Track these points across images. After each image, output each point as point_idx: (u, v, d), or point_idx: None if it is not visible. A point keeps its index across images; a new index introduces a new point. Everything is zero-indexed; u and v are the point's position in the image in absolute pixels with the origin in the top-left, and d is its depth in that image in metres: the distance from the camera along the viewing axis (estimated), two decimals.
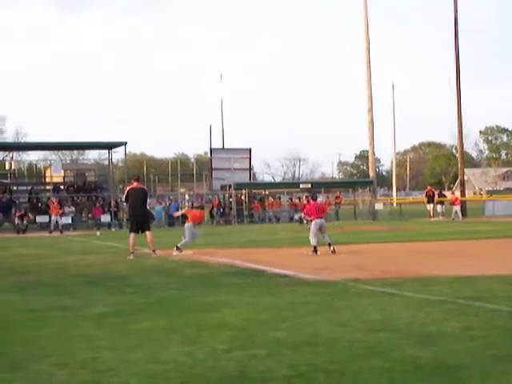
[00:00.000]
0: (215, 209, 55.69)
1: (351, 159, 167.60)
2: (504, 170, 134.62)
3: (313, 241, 21.21)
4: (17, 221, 47.02)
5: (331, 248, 21.15)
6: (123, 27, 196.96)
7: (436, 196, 52.36)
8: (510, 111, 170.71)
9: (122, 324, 9.94)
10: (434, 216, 50.26)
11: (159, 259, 21.26)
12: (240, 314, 10.46)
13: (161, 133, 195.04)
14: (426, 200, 52.33)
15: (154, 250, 22.34)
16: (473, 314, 9.94)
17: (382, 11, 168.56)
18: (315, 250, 20.94)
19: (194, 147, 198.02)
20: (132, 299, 12.52)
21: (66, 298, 12.94)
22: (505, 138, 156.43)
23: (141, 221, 22.47)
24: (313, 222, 21.74)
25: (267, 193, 60.84)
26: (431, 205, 51.39)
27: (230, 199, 55.85)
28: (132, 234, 22.25)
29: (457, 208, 49.55)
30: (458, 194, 56.79)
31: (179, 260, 20.84)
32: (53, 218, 46.52)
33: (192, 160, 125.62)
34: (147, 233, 22.42)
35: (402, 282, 13.78)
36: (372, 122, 55.58)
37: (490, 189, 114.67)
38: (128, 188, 23.53)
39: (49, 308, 11.67)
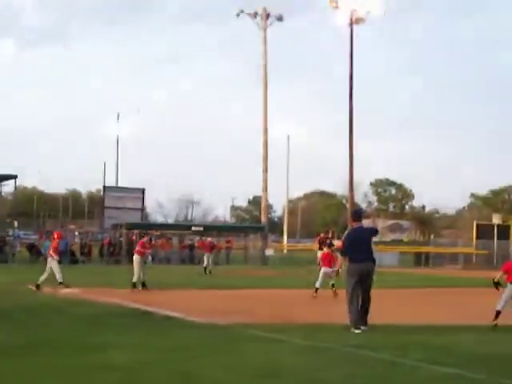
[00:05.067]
0: (105, 248, 55.00)
1: (244, 204, 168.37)
2: (391, 222, 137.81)
3: None
4: None
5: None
6: None
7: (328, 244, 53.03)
8: (399, 165, 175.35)
9: None
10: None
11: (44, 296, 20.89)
12: (126, 354, 10.38)
13: (54, 168, 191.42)
14: (317, 247, 52.86)
15: None
16: (357, 361, 10.17)
17: (282, 61, 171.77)
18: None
19: (87, 184, 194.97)
20: (11, 336, 12.24)
21: None
22: (393, 191, 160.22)
23: None
24: None
25: (159, 233, 60.46)
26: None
27: (121, 238, 55.27)
28: None
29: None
30: None
31: (66, 298, 20.52)
32: None
33: (84, 197, 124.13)
34: None
35: (290, 328, 13.95)
36: (266, 169, 56.28)
37: (377, 240, 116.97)
38: None
39: None
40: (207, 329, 13.76)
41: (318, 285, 22.65)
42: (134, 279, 24.26)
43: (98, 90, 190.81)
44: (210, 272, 35.93)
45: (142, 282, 24.43)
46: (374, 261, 14.14)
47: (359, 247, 13.90)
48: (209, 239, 41.38)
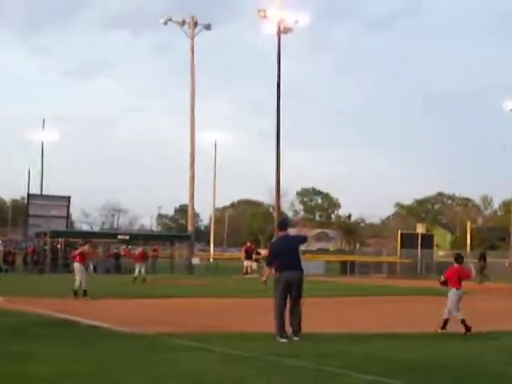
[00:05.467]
0: (29, 256, 54.11)
1: (171, 212, 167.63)
2: (317, 231, 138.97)
3: None
4: None
5: None
6: None
7: (254, 253, 53.18)
8: (325, 175, 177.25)
9: None
10: (250, 273, 50.89)
11: None
12: (50, 365, 10.25)
13: None
14: (244, 256, 52.93)
15: None
16: (281, 370, 10.24)
17: (210, 70, 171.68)
18: None
19: (11, 191, 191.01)
20: None
21: None
22: (319, 200, 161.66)
23: None
24: None
25: (83, 241, 59.67)
26: (249, 261, 51.98)
27: (46, 247, 54.46)
28: None
29: None
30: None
31: None
32: None
33: (7, 205, 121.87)
34: None
35: (216, 337, 13.96)
36: (193, 177, 56.18)
37: (304, 249, 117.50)
38: None
39: None
40: (133, 339, 13.68)
41: None
42: (84, 286, 24.63)
43: (22, 96, 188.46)
44: (143, 280, 35.88)
45: (75, 291, 24.39)
46: (301, 269, 14.24)
47: (286, 256, 13.97)
48: (140, 248, 41.16)
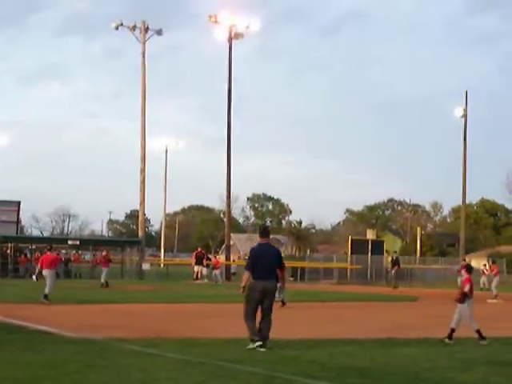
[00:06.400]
0: None
1: (122, 218, 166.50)
2: None
3: None
4: None
5: None
6: None
7: (205, 259, 53.11)
8: (275, 180, 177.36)
9: None
10: (200, 278, 50.79)
11: None
12: None
13: None
14: (194, 261, 52.75)
15: None
16: (230, 376, 10.20)
17: (163, 75, 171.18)
18: None
19: None
20: None
21: None
22: (270, 206, 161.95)
23: None
24: None
25: (34, 247, 59.10)
26: (200, 266, 51.83)
27: None
28: None
29: (217, 271, 50.51)
30: (222, 257, 58.05)
31: None
32: None
33: None
34: None
35: (165, 342, 13.88)
36: (144, 183, 55.91)
37: None
38: None
39: None
40: (82, 344, 13.53)
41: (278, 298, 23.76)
42: (47, 291, 24.66)
43: None
44: (102, 285, 36.84)
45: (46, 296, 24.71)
46: (276, 278, 14.11)
47: (263, 264, 13.70)
48: (104, 252, 41.47)
